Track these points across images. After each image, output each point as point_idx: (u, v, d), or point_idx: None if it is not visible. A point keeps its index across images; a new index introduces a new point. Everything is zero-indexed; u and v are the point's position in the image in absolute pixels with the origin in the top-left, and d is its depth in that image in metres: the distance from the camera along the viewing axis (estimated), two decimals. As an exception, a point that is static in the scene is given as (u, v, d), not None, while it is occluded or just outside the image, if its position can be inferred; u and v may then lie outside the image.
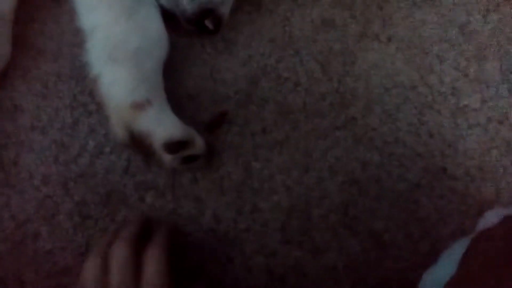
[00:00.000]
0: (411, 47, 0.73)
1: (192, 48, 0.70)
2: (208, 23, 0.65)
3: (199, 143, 0.61)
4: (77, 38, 0.66)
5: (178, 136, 0.59)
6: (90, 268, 0.52)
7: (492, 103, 0.72)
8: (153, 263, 0.51)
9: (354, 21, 0.74)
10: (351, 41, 0.73)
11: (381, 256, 0.64)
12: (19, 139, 0.66)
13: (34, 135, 0.66)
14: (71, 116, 0.66)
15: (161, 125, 0.59)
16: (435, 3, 0.76)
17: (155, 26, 0.63)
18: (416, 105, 0.71)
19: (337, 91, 0.71)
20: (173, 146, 0.59)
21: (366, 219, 0.65)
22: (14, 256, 0.62)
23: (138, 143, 0.60)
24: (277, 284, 0.62)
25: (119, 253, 0.52)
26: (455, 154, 0.69)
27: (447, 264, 0.52)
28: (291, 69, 0.71)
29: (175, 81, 0.68)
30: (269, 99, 0.69)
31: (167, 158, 0.60)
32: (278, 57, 0.71)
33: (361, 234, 0.64)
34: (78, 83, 0.67)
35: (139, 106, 0.59)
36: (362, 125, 0.69)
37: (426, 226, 0.66)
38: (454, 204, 0.67)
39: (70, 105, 0.67)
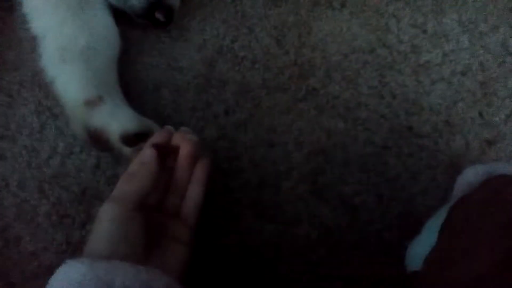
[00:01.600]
0: (366, 10, 0.75)
1: (147, 40, 0.73)
2: (158, 16, 0.66)
3: None
4: (33, 44, 0.68)
5: (133, 128, 0.62)
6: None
7: (454, 56, 0.73)
8: (199, 184, 0.56)
9: (306, -9, 0.75)
10: (304, 12, 0.74)
11: (353, 221, 0.66)
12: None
13: (4, 143, 0.69)
14: (38, 121, 0.69)
15: (116, 120, 0.62)
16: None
17: (103, 24, 0.66)
18: (376, 67, 0.73)
19: (295, 63, 0.72)
20: (130, 139, 0.61)
21: (336, 186, 0.67)
22: (0, 261, 0.65)
23: (96, 139, 0.63)
24: (254, 259, 0.65)
25: (145, 152, 0.55)
26: (420, 111, 0.71)
27: (430, 235, 0.53)
28: (247, 48, 0.73)
29: (133, 74, 0.70)
30: (228, 80, 0.71)
31: (127, 151, 0.63)
32: (232, 37, 0.73)
33: (331, 201, 0.67)
34: (41, 88, 0.70)
35: (91, 103, 0.62)
36: (324, 95, 0.71)
37: (397, 186, 0.68)
38: (423, 161, 0.69)
39: (36, 111, 0.70)
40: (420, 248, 0.54)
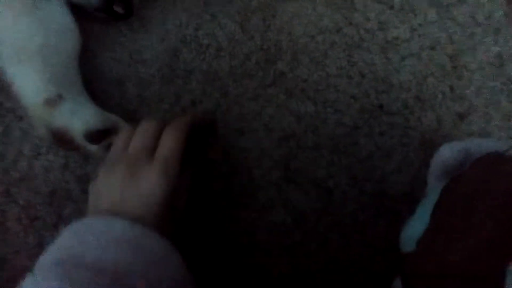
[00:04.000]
0: (330, -11, 0.76)
1: (108, 34, 0.74)
2: (117, 9, 0.67)
3: (125, 127, 0.65)
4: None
5: (97, 125, 0.64)
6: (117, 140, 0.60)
7: (422, 31, 0.75)
8: (169, 139, 0.58)
9: (269, -27, 0.77)
10: (267, -4, 0.75)
11: (327, 204, 0.68)
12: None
13: (-32, 149, 0.70)
14: (2, 124, 0.70)
15: (78, 117, 0.64)
16: None
17: (60, 21, 0.67)
18: (344, 47, 0.74)
19: (261, 48, 0.74)
20: (95, 136, 0.63)
21: (308, 170, 0.69)
22: (-28, 268, 0.67)
23: (60, 139, 0.65)
24: (229, 247, 0.67)
25: (146, 122, 0.59)
26: (390, 89, 0.73)
27: (423, 216, 0.55)
28: (211, 35, 0.74)
29: (95, 70, 0.72)
30: (193, 70, 0.73)
31: (93, 148, 0.64)
32: (195, 25, 0.75)
33: (304, 185, 0.69)
34: (3, 90, 0.71)
35: (52, 103, 0.64)
36: (292, 78, 0.73)
37: (369, 166, 0.70)
38: (395, 139, 0.71)
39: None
40: (413, 229, 0.56)
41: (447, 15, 0.76)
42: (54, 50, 0.65)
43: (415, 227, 0.56)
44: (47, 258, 0.50)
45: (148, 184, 0.54)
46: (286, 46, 0.74)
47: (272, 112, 0.72)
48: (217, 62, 0.73)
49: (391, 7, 0.76)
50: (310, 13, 0.75)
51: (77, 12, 0.70)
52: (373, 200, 0.68)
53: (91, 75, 0.71)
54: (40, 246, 0.68)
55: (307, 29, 0.75)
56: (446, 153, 0.60)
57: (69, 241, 0.51)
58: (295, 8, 0.75)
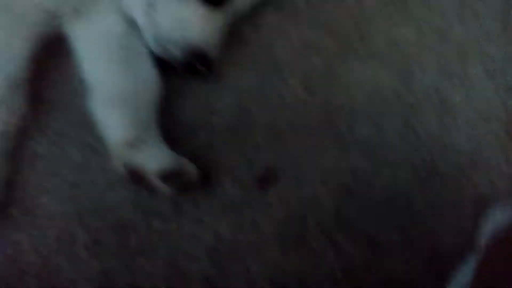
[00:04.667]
0: (391, 56, 0.83)
1: (186, 85, 0.82)
2: (199, 66, 0.76)
3: (192, 171, 0.73)
4: (81, 88, 0.79)
5: (169, 167, 0.71)
6: None
7: (478, 100, 0.79)
8: None
9: (333, 40, 0.84)
10: (332, 59, 0.83)
11: (377, 256, 0.70)
12: (37, 182, 0.78)
13: (49, 177, 0.78)
14: (81, 157, 0.79)
15: (154, 159, 0.72)
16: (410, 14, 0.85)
17: (148, 73, 0.77)
18: (401, 109, 0.79)
19: (322, 107, 0.80)
20: (167, 177, 0.71)
21: (360, 222, 0.72)
22: (40, 288, 0.73)
23: (135, 177, 0.72)
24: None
25: None
26: (444, 151, 0.76)
27: (467, 275, 0.56)
28: (277, 93, 0.81)
29: (171, 117, 0.79)
30: (258, 123, 0.79)
31: (164, 187, 0.72)
32: (265, 84, 0.82)
33: (356, 237, 0.71)
34: (85, 126, 0.79)
35: (132, 144, 0.72)
36: (350, 136, 0.78)
37: (422, 224, 0.72)
38: (448, 199, 0.73)
39: (80, 148, 0.79)
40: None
41: (504, 89, 0.80)
42: (141, 99, 0.75)
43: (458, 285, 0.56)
44: None
45: None
46: (346, 107, 0.80)
47: (329, 165, 0.76)
48: (279, 117, 0.80)
49: (450, 76, 0.81)
50: (370, 77, 0.81)
51: (162, 65, 0.78)
52: (423, 258, 0.70)
53: (167, 121, 0.78)
54: (103, 273, 0.73)
55: (366, 91, 0.81)
56: (498, 215, 0.61)
57: None
58: (356, 72, 0.82)
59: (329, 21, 0.86)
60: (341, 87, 0.81)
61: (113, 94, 0.75)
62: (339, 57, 0.84)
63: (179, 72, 0.79)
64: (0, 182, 0.73)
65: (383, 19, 0.86)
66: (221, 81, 0.84)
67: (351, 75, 0.82)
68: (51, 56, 0.80)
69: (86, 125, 0.79)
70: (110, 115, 0.74)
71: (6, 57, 0.72)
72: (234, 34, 0.82)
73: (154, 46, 0.76)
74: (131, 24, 0.78)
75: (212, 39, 0.76)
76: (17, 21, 0.73)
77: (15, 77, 0.72)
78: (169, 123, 0.79)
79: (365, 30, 0.85)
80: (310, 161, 0.77)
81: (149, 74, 0.77)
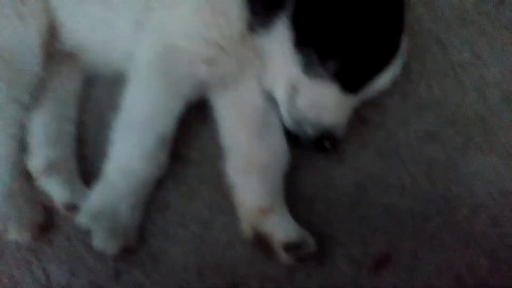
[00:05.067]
0: (513, 155, 0.83)
1: (308, 158, 0.88)
2: (326, 144, 0.81)
3: (312, 244, 0.77)
4: (217, 150, 0.86)
5: (295, 238, 0.76)
6: None
7: None
8: None
9: (456, 133, 0.87)
10: (454, 151, 0.85)
11: None
12: (165, 231, 0.86)
13: (177, 228, 0.85)
14: (209, 214, 0.86)
15: (282, 228, 0.77)
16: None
17: (280, 145, 0.83)
18: (522, 210, 0.79)
19: (441, 196, 0.82)
20: (291, 247, 0.76)
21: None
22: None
23: (261, 241, 0.78)
24: None
25: None
26: None
27: None
28: (397, 177, 0.84)
29: (293, 187, 0.85)
30: (376, 203, 0.83)
31: (284, 256, 0.76)
32: (384, 166, 0.86)
33: None
34: (216, 185, 0.86)
35: (264, 211, 0.78)
36: (468, 230, 0.79)
37: None
38: None
39: (208, 205, 0.86)
40: None
41: None
42: (273, 169, 0.81)
43: None
44: None
45: None
46: (465, 199, 0.81)
47: (444, 257, 0.78)
48: (399, 201, 0.83)
49: None
50: (492, 173, 0.83)
51: (290, 138, 0.85)
52: None
53: (287, 190, 0.84)
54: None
55: (487, 187, 0.82)
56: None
57: None
58: (477, 166, 0.83)
59: (453, 113, 0.89)
60: (462, 179, 0.83)
61: (248, 161, 0.82)
62: (461, 149, 0.86)
63: (306, 147, 0.84)
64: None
65: (507, 115, 0.88)
66: (341, 157, 0.88)
67: (473, 168, 0.84)
68: (192, 117, 0.89)
69: (217, 184, 0.86)
70: (245, 180, 0.81)
71: (160, 118, 0.81)
72: (357, 115, 0.87)
73: (288, 121, 0.83)
74: (269, 98, 0.85)
75: (341, 120, 0.82)
76: (174, 87, 0.82)
77: (165, 135, 0.81)
78: (288, 191, 0.85)
79: (489, 124, 0.87)
80: (425, 250, 0.78)
81: (281, 146, 0.83)
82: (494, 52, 0.93)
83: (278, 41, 0.80)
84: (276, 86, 0.83)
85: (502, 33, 0.94)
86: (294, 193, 0.85)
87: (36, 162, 0.87)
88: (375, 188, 0.84)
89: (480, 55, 0.95)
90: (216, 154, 0.87)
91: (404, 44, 0.82)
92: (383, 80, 0.81)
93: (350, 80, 0.79)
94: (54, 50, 0.90)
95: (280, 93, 0.83)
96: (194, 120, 0.90)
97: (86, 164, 0.92)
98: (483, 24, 0.98)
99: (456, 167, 0.84)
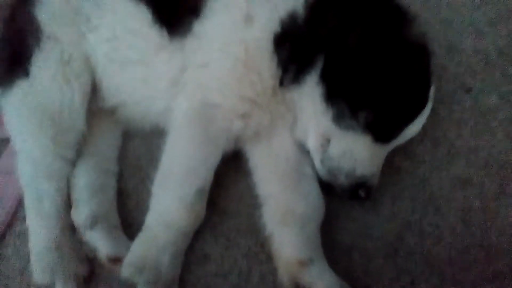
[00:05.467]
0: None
1: (343, 207, 0.89)
2: (361, 193, 0.83)
3: None
4: (253, 201, 0.89)
5: None
6: None
7: None
8: None
9: (490, 178, 0.87)
10: (490, 198, 0.85)
11: None
12: (204, 281, 0.87)
13: (217, 279, 0.87)
14: (247, 264, 0.87)
15: (322, 281, 0.78)
16: None
17: (316, 195, 0.85)
18: None
19: (480, 245, 0.81)
20: None
21: None
22: None
23: (299, 293, 0.78)
24: None
25: None
26: None
27: None
28: (434, 225, 0.84)
29: (329, 237, 0.86)
30: (415, 253, 0.83)
31: None
32: (420, 214, 0.86)
33: None
34: (253, 236, 0.88)
35: (303, 263, 0.79)
36: (509, 281, 0.78)
37: None
38: None
39: (246, 255, 0.88)
40: None
41: None
42: (310, 219, 0.83)
43: None
44: None
45: None
46: (506, 249, 0.80)
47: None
48: (437, 250, 0.82)
49: None
50: (532, 220, 0.82)
51: (324, 188, 0.86)
52: None
53: (325, 240, 0.84)
54: None
55: (528, 236, 0.81)
56: None
57: None
58: (516, 213, 0.83)
59: (485, 158, 0.89)
60: (501, 227, 0.82)
61: (284, 212, 0.83)
62: (497, 195, 0.85)
63: (340, 196, 0.86)
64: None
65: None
66: (376, 206, 0.89)
67: (510, 216, 0.83)
68: (228, 169, 0.92)
69: (254, 234, 0.88)
70: (283, 232, 0.82)
71: (198, 170, 0.84)
72: (389, 163, 0.88)
73: (322, 171, 0.85)
74: (302, 149, 0.88)
75: (375, 169, 0.83)
76: (211, 141, 0.86)
77: (203, 187, 0.84)
78: (326, 242, 0.85)
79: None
80: (468, 299, 0.77)
81: (315, 197, 0.85)
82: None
83: (309, 95, 0.83)
84: (309, 138, 0.86)
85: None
86: (331, 243, 0.86)
87: (80, 215, 0.90)
88: (412, 236, 0.84)
89: (508, 99, 0.96)
90: (252, 203, 0.90)
91: (432, 91, 0.84)
92: (413, 128, 0.83)
93: (381, 130, 0.81)
94: (96, 107, 0.96)
95: (312, 144, 0.85)
96: (229, 170, 0.93)
97: (126, 216, 0.95)
98: (507, 67, 0.99)
99: (494, 215, 0.84)
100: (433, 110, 0.86)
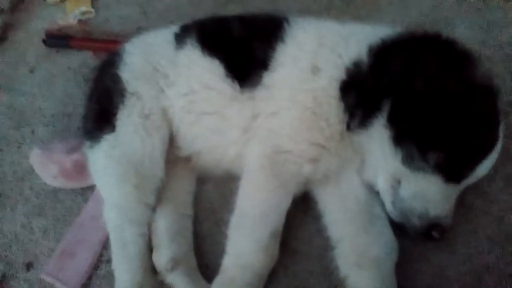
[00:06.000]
0: None
1: (416, 246, 0.88)
2: (434, 234, 0.83)
3: None
4: (323, 242, 0.90)
5: None
6: None
7: None
8: None
9: None
10: None
11: None
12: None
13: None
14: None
15: None
16: None
17: (388, 236, 0.86)
18: None
19: None
20: None
21: None
22: None
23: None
24: None
25: None
26: None
27: None
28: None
29: (405, 279, 0.85)
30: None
31: None
32: (497, 254, 0.84)
33: None
34: (326, 279, 0.89)
35: None
36: None
37: None
38: None
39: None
40: None
41: None
42: (384, 261, 0.84)
43: None
44: None
45: None
46: None
47: None
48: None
49: None
50: None
51: (397, 229, 0.87)
52: None
53: (399, 282, 0.84)
54: None
55: None
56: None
57: None
58: None
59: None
60: None
61: (359, 254, 0.85)
62: None
63: (413, 237, 0.86)
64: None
65: None
66: (450, 246, 0.88)
67: None
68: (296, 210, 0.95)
69: (327, 277, 0.89)
70: (358, 275, 0.84)
71: (272, 214, 0.88)
72: (462, 202, 0.88)
73: (393, 213, 0.86)
74: (372, 190, 0.89)
75: (447, 209, 0.83)
76: (283, 185, 0.89)
77: (277, 229, 0.87)
78: (401, 285, 0.85)
79: None
80: None
81: (388, 238, 0.86)
82: None
83: (377, 139, 0.86)
84: (379, 180, 0.88)
85: None
86: (407, 285, 0.85)
87: (161, 258, 0.95)
88: (490, 277, 0.83)
89: None
90: (323, 245, 0.91)
91: (502, 129, 0.84)
92: (484, 167, 0.83)
93: (452, 170, 0.82)
94: (173, 156, 1.03)
95: (382, 186, 0.87)
96: (298, 212, 0.96)
97: (202, 258, 0.99)
98: None
99: None
100: (503, 147, 0.85)
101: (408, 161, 0.83)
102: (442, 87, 0.80)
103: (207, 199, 1.06)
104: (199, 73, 0.98)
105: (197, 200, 1.06)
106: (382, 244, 0.85)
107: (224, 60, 0.96)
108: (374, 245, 0.84)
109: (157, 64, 1.01)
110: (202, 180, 1.08)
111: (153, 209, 0.99)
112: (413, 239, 0.88)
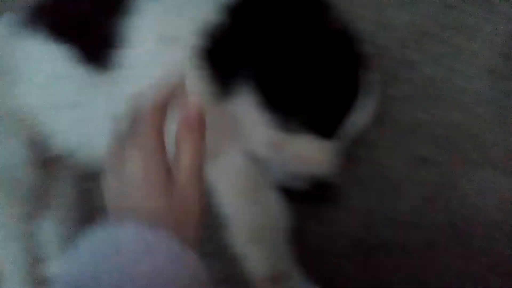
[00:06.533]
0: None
1: (310, 210, 0.86)
2: (322, 193, 0.80)
3: None
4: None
5: None
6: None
7: None
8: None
9: (448, 153, 0.85)
10: (452, 172, 0.84)
11: None
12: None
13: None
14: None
15: None
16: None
17: (275, 207, 0.83)
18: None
19: (448, 222, 0.79)
20: None
21: None
22: None
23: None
24: None
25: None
26: None
27: None
28: (398, 211, 0.83)
29: (303, 243, 0.83)
30: (389, 245, 0.82)
31: None
32: (383, 201, 0.84)
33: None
34: (225, 258, 0.85)
35: (278, 279, 0.78)
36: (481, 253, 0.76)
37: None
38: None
39: (224, 279, 0.85)
40: None
41: None
42: (274, 231, 0.81)
43: None
44: None
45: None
46: (473, 218, 0.79)
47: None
48: (406, 236, 0.81)
49: None
50: (493, 186, 0.80)
51: (288, 197, 0.83)
52: None
53: (298, 247, 0.82)
54: None
55: (491, 203, 0.79)
56: None
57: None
58: (476, 181, 0.81)
59: (438, 134, 0.87)
60: (464, 198, 0.81)
61: (247, 228, 0.81)
62: (459, 169, 0.84)
63: (305, 201, 0.83)
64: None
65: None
66: (343, 204, 0.87)
67: (472, 185, 0.82)
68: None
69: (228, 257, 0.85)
70: (250, 250, 0.80)
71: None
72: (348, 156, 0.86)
73: (278, 179, 0.82)
74: (258, 162, 0.85)
75: (329, 166, 0.81)
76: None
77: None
78: (297, 249, 0.83)
79: (480, 140, 0.85)
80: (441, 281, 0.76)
81: (276, 208, 0.83)
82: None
83: (247, 107, 0.80)
84: (258, 149, 0.83)
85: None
86: (303, 248, 0.83)
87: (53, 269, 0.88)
88: (381, 227, 0.83)
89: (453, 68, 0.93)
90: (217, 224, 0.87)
91: (371, 75, 0.81)
92: (359, 117, 0.81)
93: (323, 127, 0.79)
94: (45, 158, 0.92)
95: (263, 154, 0.83)
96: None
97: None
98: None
99: (456, 188, 0.83)
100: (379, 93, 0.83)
101: (280, 125, 0.78)
102: (297, 43, 0.76)
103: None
104: (48, 62, 0.86)
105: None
106: (269, 215, 0.82)
107: (74, 43, 0.85)
108: (261, 217, 0.81)
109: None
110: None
111: (33, 220, 0.89)
112: (303, 203, 0.86)
